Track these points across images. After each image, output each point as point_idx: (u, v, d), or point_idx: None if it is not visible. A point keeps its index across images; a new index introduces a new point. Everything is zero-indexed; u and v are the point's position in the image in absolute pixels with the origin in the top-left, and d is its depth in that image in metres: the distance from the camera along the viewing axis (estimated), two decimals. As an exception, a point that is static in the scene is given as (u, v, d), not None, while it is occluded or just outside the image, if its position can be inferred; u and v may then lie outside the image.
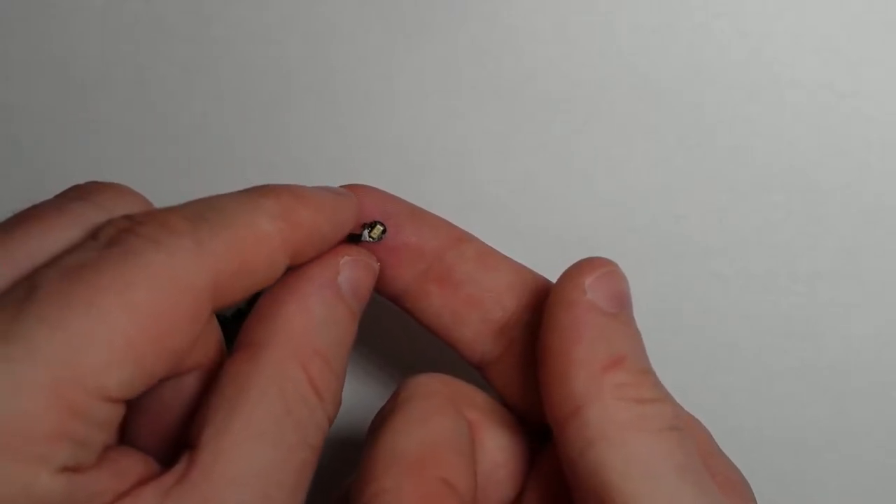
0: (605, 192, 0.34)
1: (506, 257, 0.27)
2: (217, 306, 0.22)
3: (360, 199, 0.26)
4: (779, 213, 0.33)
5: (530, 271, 0.27)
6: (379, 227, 0.26)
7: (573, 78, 0.33)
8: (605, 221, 0.34)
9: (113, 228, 0.21)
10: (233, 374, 0.22)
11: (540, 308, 0.25)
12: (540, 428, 0.25)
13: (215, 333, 0.24)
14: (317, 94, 0.34)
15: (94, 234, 0.21)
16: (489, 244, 0.28)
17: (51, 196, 0.24)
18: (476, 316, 0.26)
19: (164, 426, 0.24)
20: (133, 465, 0.21)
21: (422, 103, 0.34)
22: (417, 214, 0.27)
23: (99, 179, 0.24)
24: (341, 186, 0.27)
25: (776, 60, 0.32)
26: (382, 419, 0.24)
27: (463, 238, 0.27)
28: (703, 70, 0.33)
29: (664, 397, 0.23)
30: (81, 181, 0.24)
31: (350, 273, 0.25)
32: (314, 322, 0.23)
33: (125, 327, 0.19)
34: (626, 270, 0.28)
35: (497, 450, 0.25)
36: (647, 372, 0.23)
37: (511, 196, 0.34)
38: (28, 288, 0.19)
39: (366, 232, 0.26)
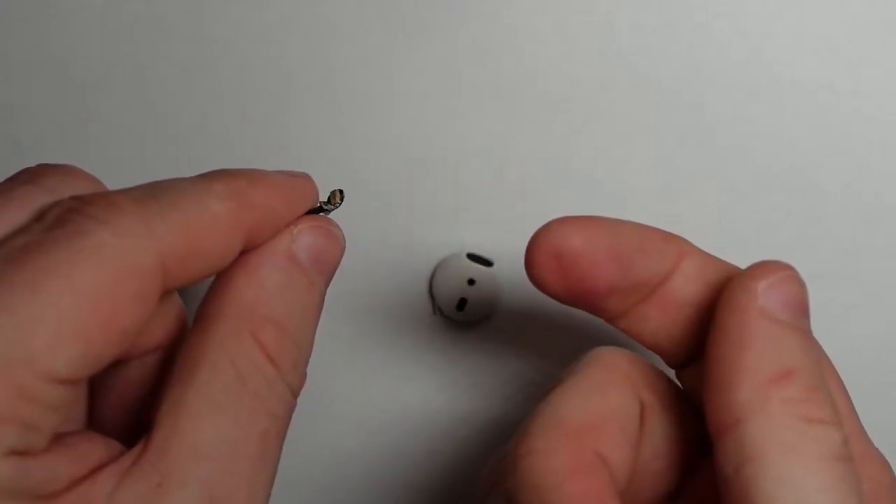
0: (605, 192, 0.34)
1: (721, 265, 0.25)
2: (169, 287, 0.22)
3: (593, 237, 0.23)
4: (779, 214, 0.33)
5: None
6: (337, 193, 0.26)
7: (573, 78, 0.33)
8: (605, 221, 0.33)
9: (59, 209, 0.21)
10: (185, 351, 0.22)
11: None
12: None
13: (175, 313, 0.24)
14: (317, 94, 0.34)
15: (40, 216, 0.21)
16: (700, 249, 0.26)
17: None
18: (692, 335, 0.25)
19: (131, 408, 0.24)
20: (94, 449, 0.21)
21: (422, 103, 0.34)
22: (644, 244, 0.24)
23: (98, 179, 0.24)
24: (565, 217, 0.24)
25: (776, 60, 0.32)
26: (557, 382, 0.23)
27: (683, 253, 0.25)
28: (703, 70, 0.33)
29: (835, 421, 0.21)
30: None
31: (307, 240, 0.24)
32: (265, 290, 0.23)
33: (71, 309, 0.19)
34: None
35: (662, 439, 0.24)
36: (819, 389, 0.22)
37: (511, 196, 0.34)
38: None
39: (322, 203, 0.25)
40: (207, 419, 0.21)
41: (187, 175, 0.35)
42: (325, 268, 0.25)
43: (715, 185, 0.33)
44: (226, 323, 0.22)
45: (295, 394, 0.23)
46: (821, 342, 0.34)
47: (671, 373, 0.26)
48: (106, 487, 0.20)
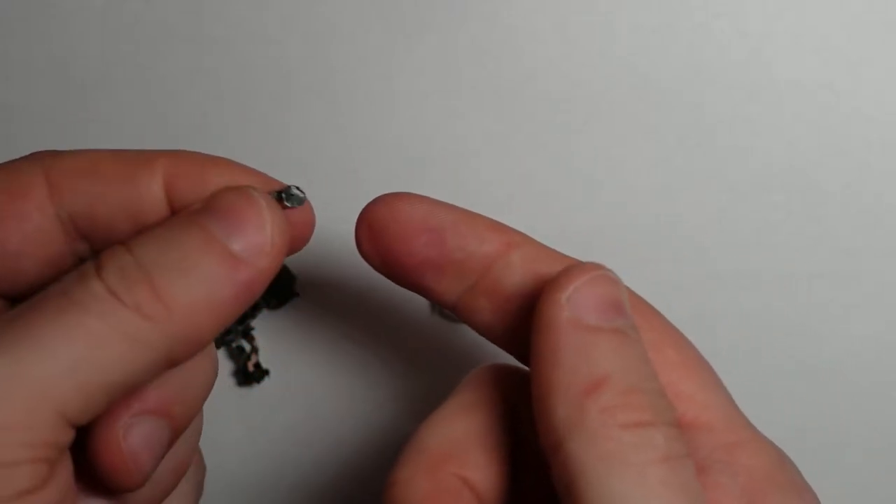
0: (605, 192, 0.34)
1: (556, 259, 0.24)
2: (75, 205, 0.23)
3: (403, 208, 0.24)
4: (779, 214, 0.33)
5: None
6: (291, 188, 0.24)
7: (573, 78, 0.33)
8: (605, 221, 0.34)
9: None
10: None
11: None
12: None
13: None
14: (317, 94, 0.34)
15: None
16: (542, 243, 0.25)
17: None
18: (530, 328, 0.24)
19: None
20: None
21: (422, 103, 0.34)
22: (461, 224, 0.25)
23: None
24: (387, 193, 0.25)
25: (776, 60, 0.32)
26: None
27: (512, 243, 0.24)
28: (703, 70, 0.33)
29: (655, 420, 0.21)
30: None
31: (222, 200, 0.22)
32: (145, 231, 0.22)
33: None
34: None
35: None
36: (638, 391, 0.21)
37: (511, 196, 0.34)
38: None
39: (282, 197, 0.24)
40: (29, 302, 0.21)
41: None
42: (232, 223, 0.22)
43: (715, 185, 0.33)
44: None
45: (130, 309, 0.20)
46: (821, 342, 0.34)
47: None
48: None
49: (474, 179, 0.34)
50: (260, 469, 0.35)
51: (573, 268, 0.22)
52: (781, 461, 0.23)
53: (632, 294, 0.24)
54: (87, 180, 0.22)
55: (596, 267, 0.22)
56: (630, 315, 0.22)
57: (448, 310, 0.25)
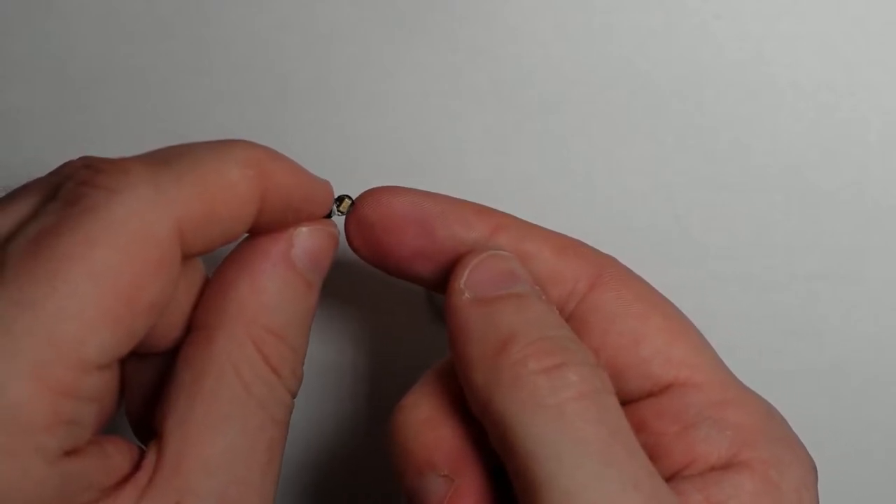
0: (605, 192, 0.34)
1: (543, 236, 0.26)
2: (189, 254, 0.21)
3: (390, 202, 0.25)
4: (778, 213, 0.33)
5: (570, 248, 0.26)
6: (347, 201, 0.26)
7: (573, 78, 0.33)
8: (604, 221, 0.34)
9: (72, 183, 0.20)
10: (188, 360, 0.22)
11: (590, 281, 0.25)
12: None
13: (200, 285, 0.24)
14: (317, 94, 0.34)
15: (54, 193, 0.20)
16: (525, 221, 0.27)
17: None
18: None
19: (138, 400, 0.24)
20: (119, 456, 0.21)
21: (421, 103, 0.34)
22: (448, 213, 0.25)
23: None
24: (374, 188, 0.26)
25: (775, 61, 0.32)
26: None
27: (499, 226, 0.25)
28: (703, 70, 0.33)
29: (569, 361, 0.22)
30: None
31: (307, 244, 0.24)
32: (266, 300, 0.23)
33: (93, 293, 0.19)
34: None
35: None
36: (545, 338, 0.22)
37: (511, 196, 0.34)
38: None
39: (334, 207, 0.25)
40: (217, 431, 0.21)
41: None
42: (322, 267, 0.25)
43: (714, 185, 0.33)
44: (229, 332, 0.22)
45: (294, 395, 0.23)
46: (821, 342, 0.34)
47: None
48: None
49: (474, 179, 0.34)
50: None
51: (466, 256, 0.24)
52: (770, 415, 0.24)
53: (619, 266, 0.26)
54: (212, 230, 0.21)
55: (486, 249, 0.24)
56: (527, 280, 0.24)
57: (441, 295, 0.26)
